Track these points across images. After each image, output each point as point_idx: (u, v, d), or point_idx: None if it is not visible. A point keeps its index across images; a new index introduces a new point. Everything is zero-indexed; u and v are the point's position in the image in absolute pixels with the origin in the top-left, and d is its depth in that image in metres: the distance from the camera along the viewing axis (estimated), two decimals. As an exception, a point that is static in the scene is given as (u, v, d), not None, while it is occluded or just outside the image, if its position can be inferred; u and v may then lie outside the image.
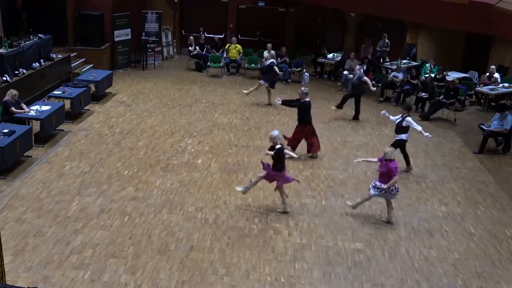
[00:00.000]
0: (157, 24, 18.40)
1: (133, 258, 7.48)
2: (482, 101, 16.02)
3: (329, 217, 9.00)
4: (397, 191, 8.81)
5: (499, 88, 15.21)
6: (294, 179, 9.09)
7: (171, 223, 8.47)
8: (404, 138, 10.85)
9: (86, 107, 13.43)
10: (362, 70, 14.37)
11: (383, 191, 8.70)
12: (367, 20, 19.06)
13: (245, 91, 14.85)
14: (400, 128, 10.81)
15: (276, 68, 14.91)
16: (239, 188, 9.13)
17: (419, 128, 10.71)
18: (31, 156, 10.48)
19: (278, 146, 8.71)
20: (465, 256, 8.15)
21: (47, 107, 11.45)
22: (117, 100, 14.55)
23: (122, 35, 17.47)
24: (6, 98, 10.90)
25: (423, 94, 15.13)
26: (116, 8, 17.21)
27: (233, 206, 9.13)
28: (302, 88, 11.44)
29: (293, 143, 11.33)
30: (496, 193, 10.40)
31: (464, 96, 15.10)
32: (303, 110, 11.24)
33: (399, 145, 10.82)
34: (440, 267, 7.82)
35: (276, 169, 8.82)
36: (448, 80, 15.11)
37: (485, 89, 15.40)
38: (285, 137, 11.06)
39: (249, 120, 13.61)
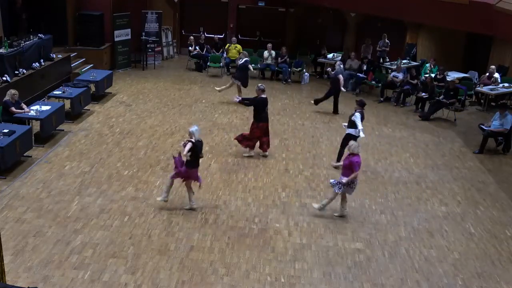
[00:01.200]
0: (157, 24, 18.39)
1: (133, 258, 7.48)
2: (482, 101, 16.02)
3: (329, 217, 8.99)
4: (355, 187, 8.87)
5: (499, 88, 15.22)
6: (199, 181, 8.81)
7: (171, 223, 8.47)
8: (352, 133, 10.58)
9: (86, 107, 13.42)
10: (341, 67, 14.67)
11: (344, 186, 8.71)
12: (367, 20, 19.05)
13: (217, 88, 14.92)
14: (350, 122, 10.70)
15: (250, 67, 14.91)
16: (187, 207, 8.95)
17: (359, 127, 10.52)
18: (31, 156, 10.48)
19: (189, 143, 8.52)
20: (465, 256, 8.15)
21: (47, 107, 11.45)
22: (117, 100, 14.55)
23: (122, 35, 17.46)
24: (6, 98, 10.89)
25: (423, 94, 15.13)
26: (116, 8, 17.20)
27: (233, 206, 9.13)
28: (259, 84, 11.37)
29: (251, 141, 11.23)
30: (496, 193, 10.40)
31: (464, 96, 15.10)
32: (259, 107, 11.11)
33: (346, 139, 10.62)
34: (440, 267, 7.82)
35: (188, 165, 8.62)
36: (448, 80, 15.12)
37: (485, 89, 15.40)
38: (242, 138, 11.16)
39: (249, 120, 13.50)
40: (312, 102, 14.78)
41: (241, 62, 14.84)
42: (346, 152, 9.34)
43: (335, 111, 14.59)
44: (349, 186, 8.75)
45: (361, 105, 10.79)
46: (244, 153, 11.30)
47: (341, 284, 7.28)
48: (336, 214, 9.00)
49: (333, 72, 14.40)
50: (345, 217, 8.97)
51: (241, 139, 11.25)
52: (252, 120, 11.31)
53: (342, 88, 14.33)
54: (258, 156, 11.29)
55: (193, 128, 8.60)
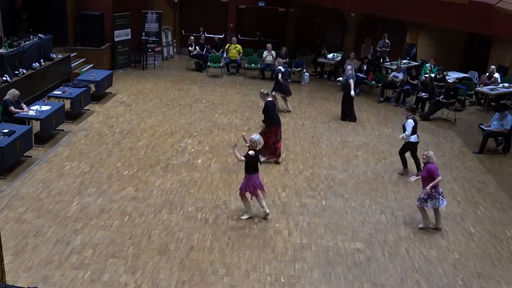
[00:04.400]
0: (157, 24, 18.40)
1: (133, 258, 7.48)
2: (482, 101, 16.02)
3: (329, 217, 9.00)
4: (440, 195, 8.59)
5: (499, 88, 15.21)
6: (259, 189, 8.64)
7: (171, 223, 8.47)
8: (412, 140, 10.65)
9: (86, 107, 13.42)
10: (353, 70, 14.41)
11: (430, 198, 8.52)
12: (367, 20, 19.06)
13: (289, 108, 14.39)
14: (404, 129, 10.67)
15: (279, 76, 14.01)
16: (244, 217, 8.80)
17: (408, 133, 10.48)
18: (31, 156, 10.48)
19: (251, 152, 8.48)
20: (465, 256, 8.15)
21: (47, 107, 11.44)
22: (117, 100, 14.55)
23: (122, 35, 17.46)
24: (7, 97, 10.90)
25: (423, 94, 15.13)
26: (116, 8, 17.19)
27: (233, 206, 9.13)
28: (262, 90, 11.18)
29: (274, 149, 11.02)
30: (496, 193, 10.39)
31: (464, 96, 15.10)
32: (271, 111, 10.91)
33: (408, 147, 10.78)
34: (440, 267, 7.82)
35: (249, 172, 8.58)
36: (448, 81, 15.12)
37: (485, 89, 15.40)
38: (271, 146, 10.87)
39: (249, 120, 13.60)
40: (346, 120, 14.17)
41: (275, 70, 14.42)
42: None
43: (345, 118, 14.01)
44: (433, 195, 8.52)
45: (412, 111, 10.70)
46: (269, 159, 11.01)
47: (341, 284, 7.28)
48: (430, 226, 8.80)
49: (343, 78, 14.12)
50: (441, 230, 8.83)
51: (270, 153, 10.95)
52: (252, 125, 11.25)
53: (352, 92, 13.72)
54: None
55: (257, 137, 8.57)
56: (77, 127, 12.38)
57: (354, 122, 13.95)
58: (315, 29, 20.19)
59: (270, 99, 11.14)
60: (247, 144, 8.61)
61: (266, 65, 17.60)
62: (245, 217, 8.75)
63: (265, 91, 11.24)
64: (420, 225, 8.82)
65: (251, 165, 8.56)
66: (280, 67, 14.24)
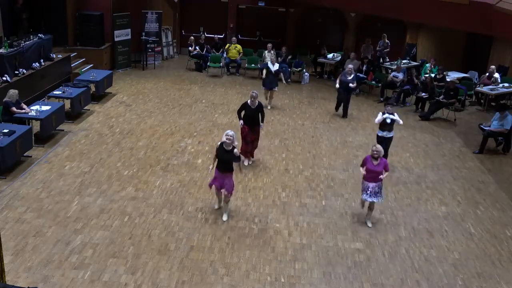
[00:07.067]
0: (157, 24, 18.41)
1: (133, 258, 7.48)
2: (482, 101, 16.03)
3: (329, 217, 9.00)
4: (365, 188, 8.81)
5: (499, 88, 15.22)
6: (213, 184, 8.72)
7: (171, 223, 8.47)
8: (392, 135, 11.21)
9: (86, 107, 13.42)
10: (353, 73, 14.50)
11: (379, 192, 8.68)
12: (367, 20, 19.07)
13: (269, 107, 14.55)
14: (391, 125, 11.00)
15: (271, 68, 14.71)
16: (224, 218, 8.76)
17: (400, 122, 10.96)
18: (31, 156, 10.48)
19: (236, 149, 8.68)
20: (465, 256, 8.15)
21: (47, 107, 11.44)
22: (117, 100, 14.55)
23: (122, 35, 17.46)
24: (7, 98, 10.89)
25: (423, 94, 15.13)
26: (116, 8, 17.19)
27: (233, 206, 9.12)
28: (252, 93, 10.67)
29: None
30: (496, 193, 10.40)
31: (464, 96, 15.11)
32: (262, 112, 10.78)
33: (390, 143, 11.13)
34: (440, 267, 7.82)
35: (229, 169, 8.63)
36: (448, 80, 15.13)
37: (485, 89, 15.41)
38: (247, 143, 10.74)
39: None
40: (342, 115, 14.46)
41: (275, 68, 14.66)
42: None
43: (345, 115, 14.38)
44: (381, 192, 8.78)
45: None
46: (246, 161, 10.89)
47: (341, 284, 7.28)
48: (369, 225, 8.86)
49: (350, 78, 14.13)
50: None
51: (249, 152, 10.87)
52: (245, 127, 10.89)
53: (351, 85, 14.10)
54: (258, 156, 11.29)
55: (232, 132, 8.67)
56: (77, 127, 12.38)
57: (346, 119, 14.29)
58: (315, 29, 20.20)
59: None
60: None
61: (266, 65, 17.54)
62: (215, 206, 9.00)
63: (255, 93, 10.89)
64: (370, 224, 8.83)
65: (217, 159, 8.64)
66: (269, 62, 14.85)
